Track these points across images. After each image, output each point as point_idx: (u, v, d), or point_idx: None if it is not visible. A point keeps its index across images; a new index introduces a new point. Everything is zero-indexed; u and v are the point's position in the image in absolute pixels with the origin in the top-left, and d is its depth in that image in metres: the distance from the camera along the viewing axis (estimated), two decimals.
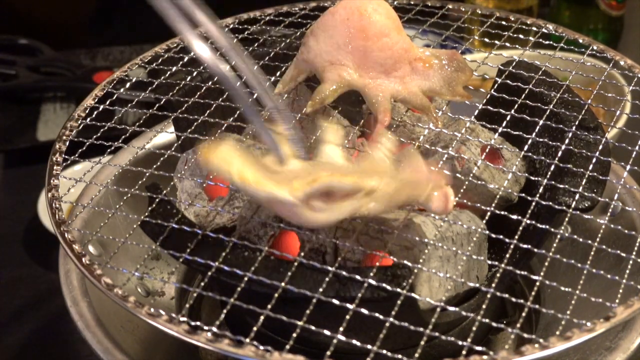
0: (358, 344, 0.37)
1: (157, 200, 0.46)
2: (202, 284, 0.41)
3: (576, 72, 0.56)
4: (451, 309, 0.39)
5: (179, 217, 0.45)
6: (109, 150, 0.51)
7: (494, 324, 0.39)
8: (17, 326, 0.72)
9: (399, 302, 0.39)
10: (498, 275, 0.42)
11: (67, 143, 0.53)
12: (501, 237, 0.43)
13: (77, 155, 0.51)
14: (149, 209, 0.45)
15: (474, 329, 0.38)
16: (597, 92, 0.54)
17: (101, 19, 1.19)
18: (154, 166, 0.49)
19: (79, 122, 0.55)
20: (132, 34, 1.13)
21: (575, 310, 0.40)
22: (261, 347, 0.37)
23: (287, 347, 0.36)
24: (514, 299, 0.40)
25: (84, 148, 0.51)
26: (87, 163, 0.52)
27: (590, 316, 0.39)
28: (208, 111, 0.53)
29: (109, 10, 1.18)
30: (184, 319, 0.38)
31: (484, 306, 0.40)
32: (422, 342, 0.37)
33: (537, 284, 0.41)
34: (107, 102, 0.56)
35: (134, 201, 0.48)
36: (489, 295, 0.40)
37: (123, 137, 0.52)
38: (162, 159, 0.50)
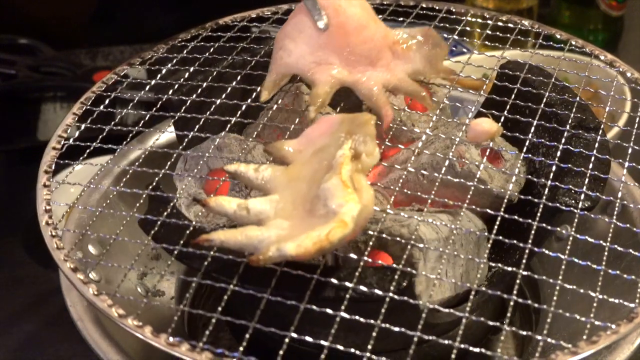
0: (354, 351, 0.37)
1: (156, 200, 0.46)
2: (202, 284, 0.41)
3: (577, 73, 0.56)
4: (448, 310, 0.39)
5: (179, 217, 0.45)
6: (108, 150, 0.51)
7: (493, 324, 0.39)
8: (17, 326, 0.72)
9: (398, 302, 0.39)
10: (498, 275, 0.42)
11: (62, 142, 0.52)
12: (501, 237, 0.43)
13: (75, 155, 0.51)
14: (149, 208, 0.46)
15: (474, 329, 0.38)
16: (597, 92, 0.55)
17: (101, 18, 1.19)
18: (154, 166, 0.49)
19: (76, 122, 0.55)
20: (132, 34, 1.13)
21: (575, 309, 0.40)
22: None
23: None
24: (513, 299, 0.40)
25: (83, 148, 0.51)
26: (85, 164, 0.52)
27: (606, 316, 0.39)
28: (208, 112, 0.53)
29: (109, 10, 1.18)
30: (207, 346, 0.38)
31: (483, 306, 0.40)
32: (421, 343, 0.37)
33: (537, 284, 0.41)
34: (107, 102, 0.56)
35: (133, 201, 0.48)
36: (488, 296, 0.40)
37: (122, 137, 0.53)
38: (162, 159, 0.50)
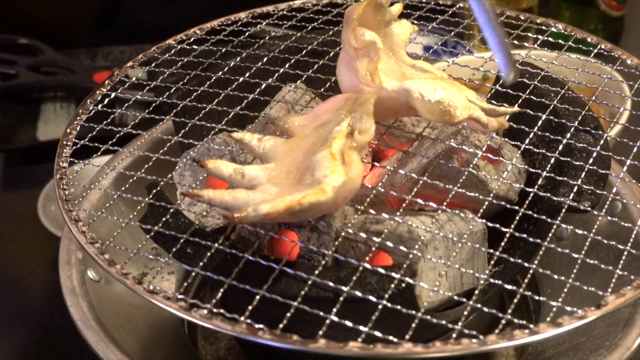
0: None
1: (156, 200, 0.46)
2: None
3: (581, 70, 0.57)
4: (448, 311, 0.39)
5: (179, 216, 0.45)
6: (107, 151, 0.51)
7: (495, 314, 0.39)
8: (17, 326, 0.72)
9: (398, 302, 0.39)
10: (498, 274, 0.42)
11: (78, 128, 0.53)
12: (500, 235, 0.43)
13: (77, 156, 0.51)
14: (149, 208, 0.46)
15: (473, 330, 0.38)
16: (601, 90, 0.55)
17: (101, 18, 1.19)
18: (154, 167, 0.49)
19: (82, 123, 0.55)
20: (132, 34, 1.13)
21: (572, 300, 0.40)
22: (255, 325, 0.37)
23: (281, 325, 0.37)
24: (513, 296, 0.40)
25: (81, 147, 0.51)
26: (85, 164, 0.52)
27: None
28: (206, 110, 0.53)
29: (110, 10, 1.18)
30: (182, 296, 0.39)
31: (481, 306, 0.40)
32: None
33: (537, 283, 0.41)
34: (106, 102, 0.56)
35: (134, 203, 0.48)
36: (487, 296, 0.40)
37: (122, 137, 0.52)
38: (162, 159, 0.50)
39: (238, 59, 0.59)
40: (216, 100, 0.53)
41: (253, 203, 0.39)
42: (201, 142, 0.54)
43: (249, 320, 0.37)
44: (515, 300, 0.39)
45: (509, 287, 0.40)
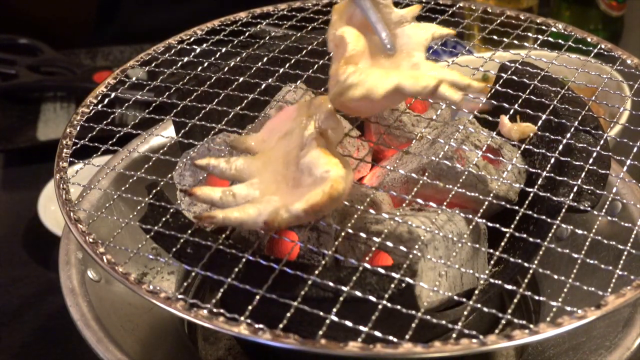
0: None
1: (156, 200, 0.46)
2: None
3: (581, 70, 0.57)
4: (448, 311, 0.39)
5: (179, 216, 0.45)
6: (107, 151, 0.51)
7: (495, 314, 0.39)
8: (17, 326, 0.72)
9: (398, 302, 0.39)
10: (498, 274, 0.42)
11: (78, 128, 0.53)
12: (500, 235, 0.43)
13: (77, 156, 0.51)
14: (149, 208, 0.46)
15: (473, 330, 0.38)
16: (601, 90, 0.55)
17: (101, 18, 1.19)
18: (154, 167, 0.49)
19: (82, 123, 0.55)
20: (132, 34, 1.13)
21: (572, 300, 0.40)
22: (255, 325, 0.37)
23: (281, 325, 0.37)
24: (513, 296, 0.40)
25: (81, 147, 0.51)
26: (85, 164, 0.52)
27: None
28: (206, 110, 0.53)
29: (110, 10, 1.18)
30: (182, 296, 0.39)
31: (481, 306, 0.40)
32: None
33: (537, 283, 0.41)
34: (106, 102, 0.56)
35: (134, 203, 0.48)
36: (488, 296, 0.40)
37: (122, 137, 0.52)
38: (162, 159, 0.50)
39: (238, 59, 0.59)
40: (216, 100, 0.53)
41: (267, 212, 0.39)
42: (201, 142, 0.54)
43: (249, 320, 0.37)
44: (515, 300, 0.39)
45: (509, 287, 0.40)
